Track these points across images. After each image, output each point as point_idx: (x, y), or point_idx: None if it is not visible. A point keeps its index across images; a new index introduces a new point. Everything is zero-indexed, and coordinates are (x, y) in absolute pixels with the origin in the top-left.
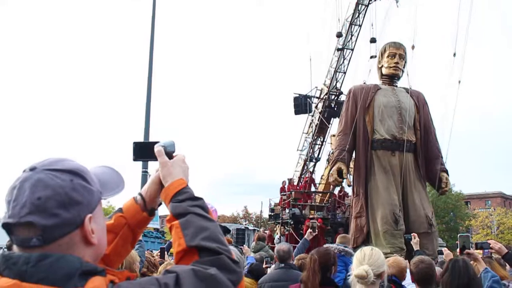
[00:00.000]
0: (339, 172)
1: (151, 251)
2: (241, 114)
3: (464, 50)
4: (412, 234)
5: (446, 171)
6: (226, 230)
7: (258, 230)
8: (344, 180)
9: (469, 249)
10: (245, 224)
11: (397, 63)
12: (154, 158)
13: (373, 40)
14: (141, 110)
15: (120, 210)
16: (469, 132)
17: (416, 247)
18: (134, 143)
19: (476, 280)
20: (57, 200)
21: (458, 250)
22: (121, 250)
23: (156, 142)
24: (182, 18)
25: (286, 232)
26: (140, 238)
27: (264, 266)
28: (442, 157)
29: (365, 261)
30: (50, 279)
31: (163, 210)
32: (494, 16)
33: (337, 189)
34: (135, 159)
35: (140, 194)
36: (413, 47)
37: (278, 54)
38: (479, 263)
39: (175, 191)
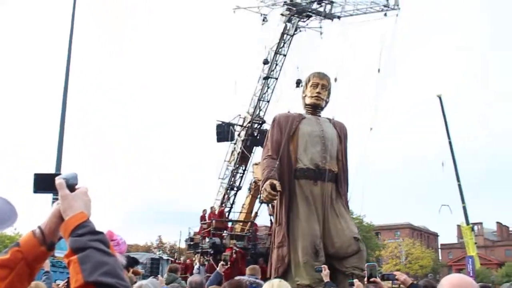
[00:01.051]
0: (272, 186)
1: (59, 282)
2: (160, 140)
3: (379, 95)
4: (322, 266)
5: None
6: (135, 261)
7: (171, 261)
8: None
9: (376, 277)
10: (159, 254)
11: (319, 93)
12: (55, 190)
13: (298, 82)
14: (53, 138)
15: (17, 244)
16: (380, 166)
17: (326, 279)
18: (35, 174)
19: None
20: None
21: (365, 279)
22: (17, 286)
23: (57, 174)
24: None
25: (206, 262)
26: (48, 269)
27: None
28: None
29: None
30: None
31: None
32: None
33: (259, 219)
34: (35, 191)
35: (40, 228)
36: (335, 79)
37: (203, 80)
38: None
39: (75, 225)
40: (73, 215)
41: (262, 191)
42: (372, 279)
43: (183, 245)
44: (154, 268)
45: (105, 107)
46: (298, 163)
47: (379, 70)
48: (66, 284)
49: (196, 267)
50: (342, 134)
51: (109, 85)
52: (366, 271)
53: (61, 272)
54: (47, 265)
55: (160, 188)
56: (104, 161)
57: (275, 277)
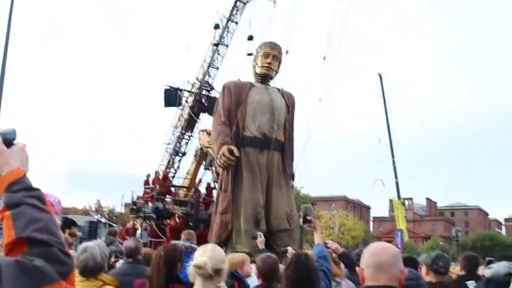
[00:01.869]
0: (230, 152)
1: None
2: (106, 99)
3: (333, 63)
4: (257, 233)
5: (293, 177)
6: (71, 222)
7: (109, 224)
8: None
9: (311, 216)
10: (97, 218)
11: (269, 63)
12: None
13: (250, 38)
14: None
15: None
16: (320, 139)
17: (261, 246)
18: None
19: (315, 273)
20: None
21: (301, 219)
22: None
23: None
24: None
25: (148, 227)
26: None
27: (113, 260)
28: (292, 161)
29: (205, 254)
30: None
31: None
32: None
33: (203, 185)
34: None
35: None
36: (287, 52)
37: (152, 43)
38: (316, 232)
39: (11, 181)
40: (9, 171)
41: (218, 157)
42: (308, 218)
43: (121, 210)
44: (92, 231)
45: (51, 60)
46: (245, 131)
47: (324, 58)
48: None
49: (138, 231)
50: (290, 103)
51: (53, 36)
52: (301, 212)
53: None
54: None
55: (100, 150)
56: (44, 119)
57: (217, 243)
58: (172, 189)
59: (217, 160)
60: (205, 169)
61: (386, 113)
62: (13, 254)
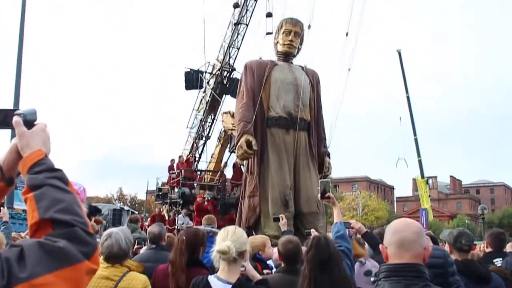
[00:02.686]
0: (248, 144)
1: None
2: (125, 88)
3: (356, 37)
4: (280, 215)
5: (328, 155)
6: (96, 210)
7: (132, 212)
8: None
9: (329, 192)
10: (120, 206)
11: (291, 40)
12: (11, 126)
13: (269, 15)
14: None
15: None
16: (343, 117)
17: (283, 228)
18: None
19: (336, 255)
20: None
21: (319, 195)
22: None
23: (15, 110)
24: None
25: (188, 213)
26: (7, 219)
27: (136, 247)
28: (325, 139)
29: (228, 238)
30: None
31: None
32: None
33: (229, 169)
34: None
35: None
36: (309, 26)
37: (171, 27)
38: (335, 208)
39: (32, 163)
40: (30, 152)
41: (237, 148)
42: (326, 195)
43: (143, 197)
44: (116, 219)
45: (71, 48)
46: (270, 111)
47: (347, 34)
48: (28, 234)
49: (180, 216)
50: (314, 81)
51: (77, 27)
52: (319, 187)
53: (20, 224)
54: (5, 215)
55: (120, 139)
56: (66, 106)
57: (246, 227)
58: (198, 173)
59: (236, 151)
60: (230, 152)
61: (407, 90)
62: (37, 236)
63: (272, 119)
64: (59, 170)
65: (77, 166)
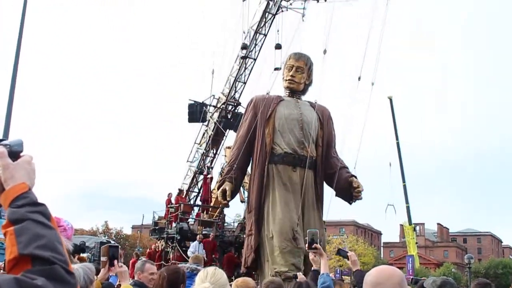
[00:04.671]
0: (224, 193)
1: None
2: (124, 119)
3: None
4: (297, 273)
5: (355, 176)
6: (81, 249)
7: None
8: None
9: (317, 243)
10: (106, 239)
11: (293, 76)
12: None
13: (278, 46)
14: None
15: None
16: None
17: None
18: None
19: None
20: None
21: (306, 245)
22: None
23: (1, 140)
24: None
25: (202, 238)
26: None
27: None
28: (347, 167)
29: (207, 279)
30: None
31: None
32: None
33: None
34: None
35: None
36: (324, 51)
37: (177, 58)
38: (322, 259)
39: (15, 196)
40: (13, 185)
41: (218, 195)
42: (313, 246)
43: (128, 232)
44: None
45: (63, 77)
46: (274, 147)
47: (359, 78)
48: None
49: (196, 243)
50: (324, 118)
51: (67, 55)
52: (307, 237)
53: (2, 253)
54: None
55: (108, 172)
56: (59, 136)
57: (245, 267)
58: (196, 208)
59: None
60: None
61: (397, 136)
62: (15, 271)
63: (278, 155)
64: (42, 205)
65: (63, 198)
